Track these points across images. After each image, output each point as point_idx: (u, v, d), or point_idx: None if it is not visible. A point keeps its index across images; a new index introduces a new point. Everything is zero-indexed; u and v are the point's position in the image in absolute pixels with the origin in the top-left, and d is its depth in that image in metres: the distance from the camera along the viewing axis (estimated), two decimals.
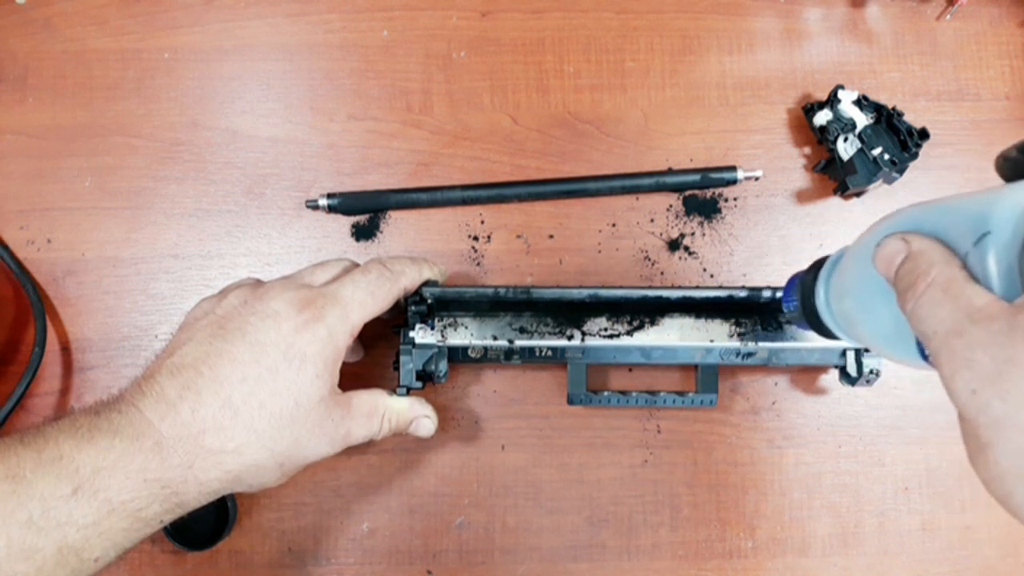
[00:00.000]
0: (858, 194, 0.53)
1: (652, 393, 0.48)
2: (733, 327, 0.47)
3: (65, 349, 0.51)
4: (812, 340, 0.47)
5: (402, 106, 0.54)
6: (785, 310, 0.40)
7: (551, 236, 0.52)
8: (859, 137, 0.50)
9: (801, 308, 0.38)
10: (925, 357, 0.28)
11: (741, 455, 0.50)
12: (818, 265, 0.37)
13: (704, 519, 0.50)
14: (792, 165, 0.53)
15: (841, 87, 0.51)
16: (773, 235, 0.52)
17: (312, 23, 0.55)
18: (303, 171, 0.53)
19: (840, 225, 0.53)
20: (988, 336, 0.23)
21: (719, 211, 0.53)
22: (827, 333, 0.38)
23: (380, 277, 0.42)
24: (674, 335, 0.47)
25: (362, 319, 0.41)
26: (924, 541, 0.50)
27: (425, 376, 0.46)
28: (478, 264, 0.52)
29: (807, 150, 0.53)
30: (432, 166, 0.53)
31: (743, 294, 0.45)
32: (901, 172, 0.50)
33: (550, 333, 0.47)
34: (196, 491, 0.36)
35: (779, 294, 0.45)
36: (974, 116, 0.54)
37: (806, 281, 0.38)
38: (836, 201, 0.53)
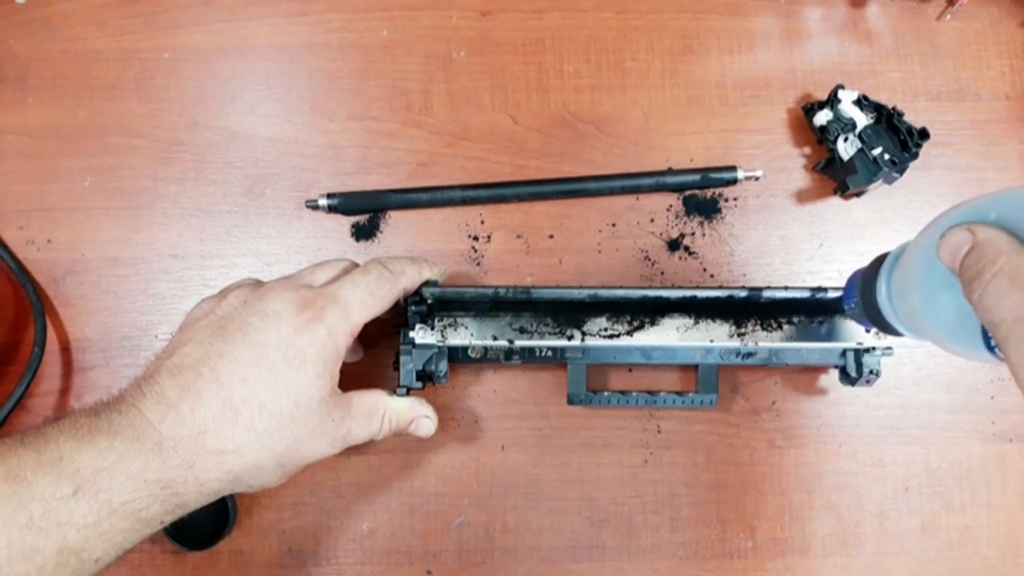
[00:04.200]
0: (858, 194, 0.53)
1: (652, 393, 0.48)
2: (733, 327, 0.47)
3: (65, 349, 0.51)
4: (812, 340, 0.47)
5: (402, 106, 0.54)
6: (846, 308, 0.40)
7: (551, 236, 0.52)
8: (859, 137, 0.50)
9: (862, 305, 0.38)
10: (991, 349, 0.28)
11: (741, 455, 0.51)
12: (879, 261, 0.37)
13: (704, 519, 0.50)
14: (792, 165, 0.53)
15: (841, 87, 0.51)
16: (773, 235, 0.52)
17: (312, 23, 0.55)
18: (303, 171, 0.53)
19: (840, 225, 0.53)
20: None
21: (719, 211, 0.53)
22: (890, 330, 0.37)
23: (380, 277, 0.42)
24: (674, 335, 0.47)
25: (362, 319, 0.41)
26: (924, 541, 0.50)
27: (425, 376, 0.46)
28: (478, 264, 0.52)
29: (807, 150, 0.53)
30: (432, 166, 0.53)
31: (743, 294, 0.45)
32: (901, 172, 0.50)
33: (550, 333, 0.47)
34: (196, 491, 0.36)
35: (779, 294, 0.45)
36: (974, 116, 0.54)
37: (867, 278, 0.37)
38: (836, 201, 0.53)
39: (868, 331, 0.46)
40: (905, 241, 0.34)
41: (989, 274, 0.26)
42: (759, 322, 0.47)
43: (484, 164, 0.53)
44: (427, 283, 0.46)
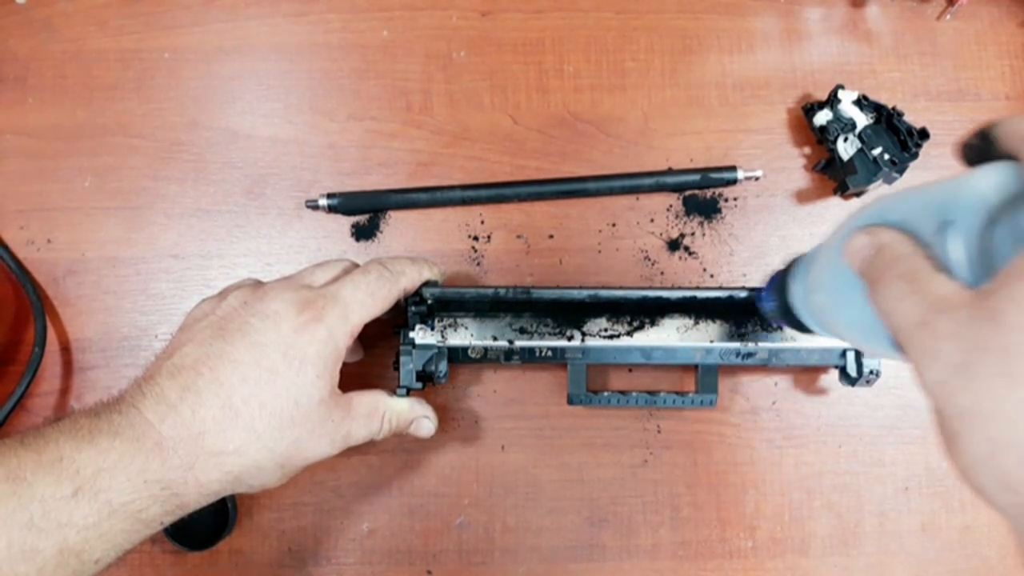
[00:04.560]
0: (858, 194, 0.53)
1: (652, 393, 0.48)
2: (733, 327, 0.47)
3: (65, 349, 0.51)
4: (812, 340, 0.47)
5: (402, 106, 0.54)
6: (765, 309, 0.40)
7: (551, 236, 0.52)
8: (859, 137, 0.50)
9: (779, 306, 0.38)
10: (899, 349, 0.28)
11: (741, 455, 0.51)
12: (794, 263, 0.37)
13: (704, 519, 0.50)
14: (792, 165, 0.53)
15: (841, 87, 0.51)
16: (773, 235, 0.52)
17: (312, 23, 0.55)
18: (303, 171, 0.53)
19: None
20: (953, 326, 0.23)
21: (719, 211, 0.53)
22: (806, 330, 0.38)
23: (380, 278, 0.42)
24: (674, 335, 0.47)
25: (362, 320, 0.41)
26: (924, 541, 0.50)
27: (425, 376, 0.46)
28: (478, 264, 0.52)
29: (807, 150, 0.53)
30: (432, 166, 0.53)
31: (743, 294, 0.45)
32: (901, 172, 0.50)
33: (550, 334, 0.47)
34: (196, 492, 0.36)
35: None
36: (974, 116, 0.54)
37: (783, 279, 0.38)
38: (836, 201, 0.53)
39: (778, 328, 0.47)
40: (820, 243, 0.35)
41: (889, 277, 0.26)
42: (759, 322, 0.47)
43: (484, 164, 0.53)
44: (427, 283, 0.46)
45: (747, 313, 0.47)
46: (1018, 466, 0.21)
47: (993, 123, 0.25)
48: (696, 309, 0.48)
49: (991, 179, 0.24)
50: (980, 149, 0.26)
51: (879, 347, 0.29)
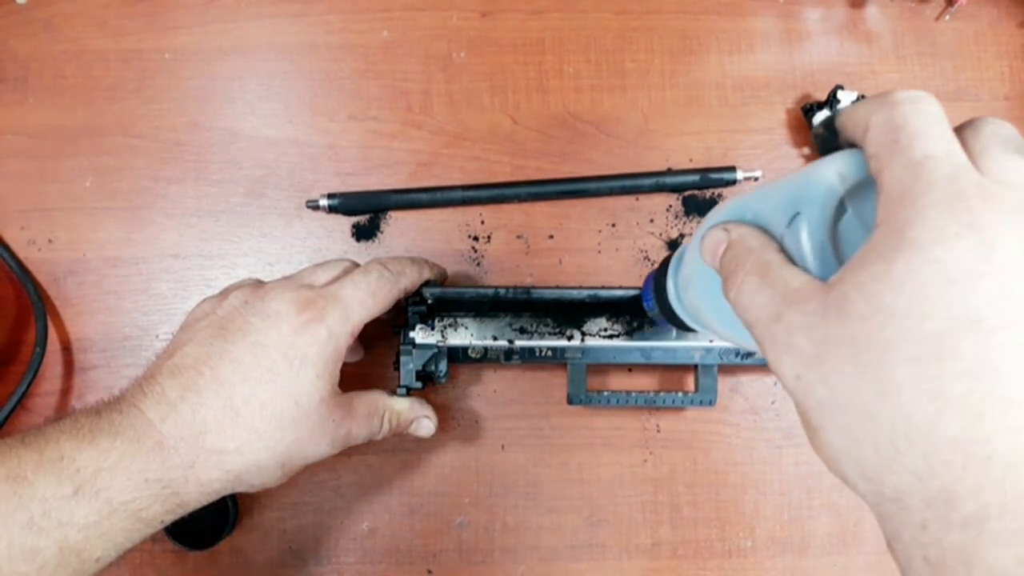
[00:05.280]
0: None
1: (652, 393, 0.49)
2: None
3: (66, 349, 0.51)
4: None
5: (402, 106, 0.54)
6: (647, 308, 0.40)
7: (551, 236, 0.52)
8: None
9: (658, 305, 0.38)
10: None
11: (741, 455, 0.51)
12: (667, 261, 0.37)
13: (704, 519, 0.50)
14: (792, 165, 0.53)
15: (841, 87, 0.51)
16: None
17: (312, 23, 0.55)
18: (303, 171, 0.53)
19: None
20: (804, 318, 0.23)
21: None
22: (685, 327, 0.38)
23: (381, 277, 0.42)
24: (674, 335, 0.47)
25: (362, 320, 0.41)
26: None
27: (425, 376, 0.46)
28: (478, 264, 0.52)
29: (806, 150, 0.53)
30: (432, 166, 0.53)
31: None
32: None
33: (550, 333, 0.47)
34: (197, 491, 0.36)
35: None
36: (974, 116, 0.54)
37: (658, 278, 0.37)
38: None
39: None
40: (688, 240, 0.35)
41: (741, 273, 0.26)
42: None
43: (484, 164, 0.53)
44: (427, 283, 0.46)
45: None
46: (875, 456, 0.21)
47: (837, 112, 0.25)
48: None
49: (835, 168, 0.24)
50: (828, 139, 0.26)
51: (748, 342, 0.29)
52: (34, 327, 0.50)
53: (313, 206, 0.52)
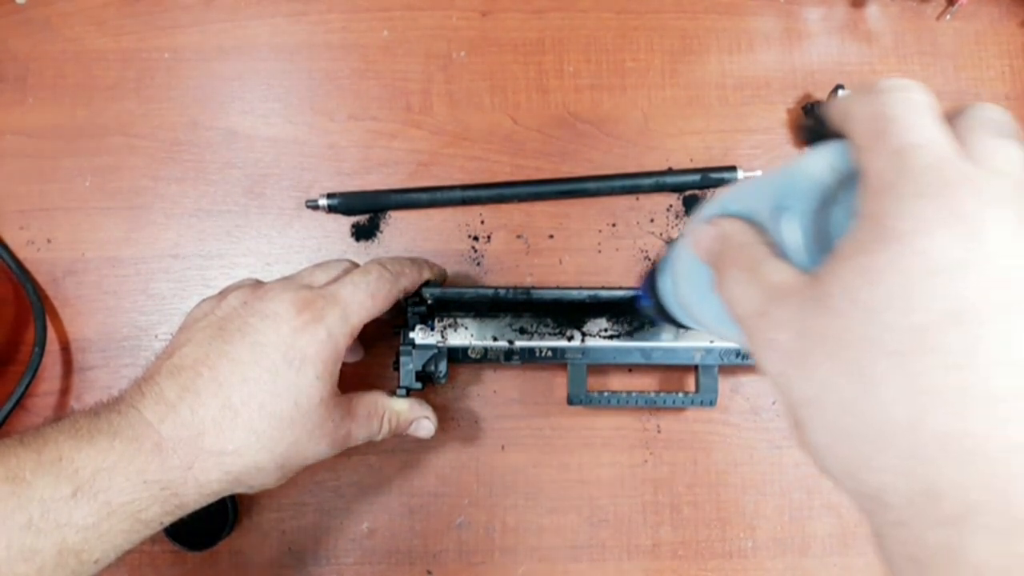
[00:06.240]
0: None
1: (652, 393, 0.48)
2: None
3: (65, 349, 0.51)
4: None
5: (402, 106, 0.54)
6: (643, 307, 0.39)
7: (551, 236, 0.52)
8: None
9: (654, 304, 0.37)
10: None
11: (741, 455, 0.51)
12: (662, 259, 0.37)
13: (704, 519, 0.50)
14: None
15: (841, 86, 0.51)
16: None
17: (312, 23, 0.54)
18: (303, 171, 0.53)
19: None
20: (787, 314, 0.22)
21: None
22: (680, 324, 0.37)
23: (380, 278, 0.42)
24: (674, 335, 0.47)
25: (362, 320, 0.41)
26: None
27: (425, 376, 0.46)
28: (478, 264, 0.52)
29: (807, 150, 0.53)
30: (432, 166, 0.53)
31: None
32: None
33: (550, 334, 0.47)
34: (196, 492, 0.36)
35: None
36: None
37: (653, 275, 0.37)
38: None
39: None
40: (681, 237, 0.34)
41: (730, 268, 0.25)
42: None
43: (484, 164, 0.53)
44: (427, 283, 0.46)
45: None
46: (857, 453, 0.21)
47: (823, 102, 0.25)
48: None
49: (821, 160, 0.24)
50: (815, 130, 0.26)
51: (741, 339, 0.28)
52: (33, 327, 0.50)
53: (312, 206, 0.52)
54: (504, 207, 0.53)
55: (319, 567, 0.49)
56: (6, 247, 0.51)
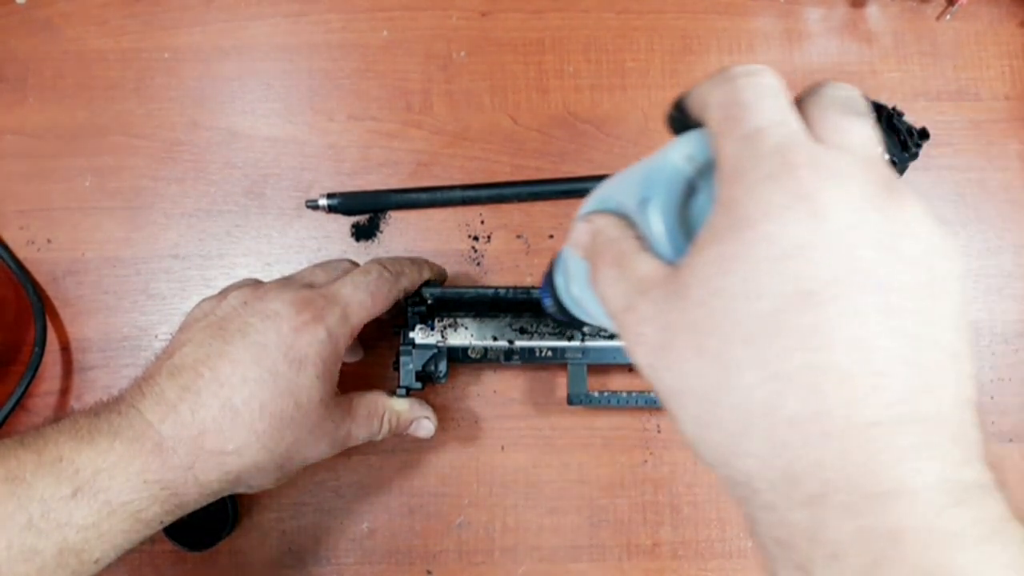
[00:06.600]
0: None
1: (652, 393, 0.48)
2: None
3: (65, 349, 0.51)
4: None
5: (402, 106, 0.54)
6: (544, 306, 0.39)
7: (551, 236, 0.52)
8: None
9: (554, 302, 0.37)
10: None
11: None
12: (557, 257, 0.36)
13: (704, 519, 0.50)
14: None
15: None
16: None
17: (312, 23, 0.55)
18: (303, 171, 0.53)
19: None
20: (651, 306, 0.22)
21: None
22: (579, 323, 0.37)
23: (380, 278, 0.42)
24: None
25: (362, 320, 0.41)
26: None
27: (425, 376, 0.46)
28: (478, 264, 0.52)
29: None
30: (432, 166, 0.53)
31: None
32: (901, 172, 0.50)
33: (550, 334, 0.47)
34: (196, 492, 0.36)
35: None
36: (974, 116, 0.54)
37: (551, 274, 0.37)
38: None
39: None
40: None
41: (601, 264, 0.25)
42: None
43: (484, 164, 0.53)
44: (427, 283, 0.46)
45: None
46: (723, 441, 0.21)
47: (685, 92, 0.25)
48: None
49: (681, 150, 0.24)
50: (679, 120, 0.25)
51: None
52: (33, 327, 0.50)
53: (312, 206, 0.52)
54: (504, 207, 0.53)
55: (319, 567, 0.49)
56: (6, 247, 0.51)
